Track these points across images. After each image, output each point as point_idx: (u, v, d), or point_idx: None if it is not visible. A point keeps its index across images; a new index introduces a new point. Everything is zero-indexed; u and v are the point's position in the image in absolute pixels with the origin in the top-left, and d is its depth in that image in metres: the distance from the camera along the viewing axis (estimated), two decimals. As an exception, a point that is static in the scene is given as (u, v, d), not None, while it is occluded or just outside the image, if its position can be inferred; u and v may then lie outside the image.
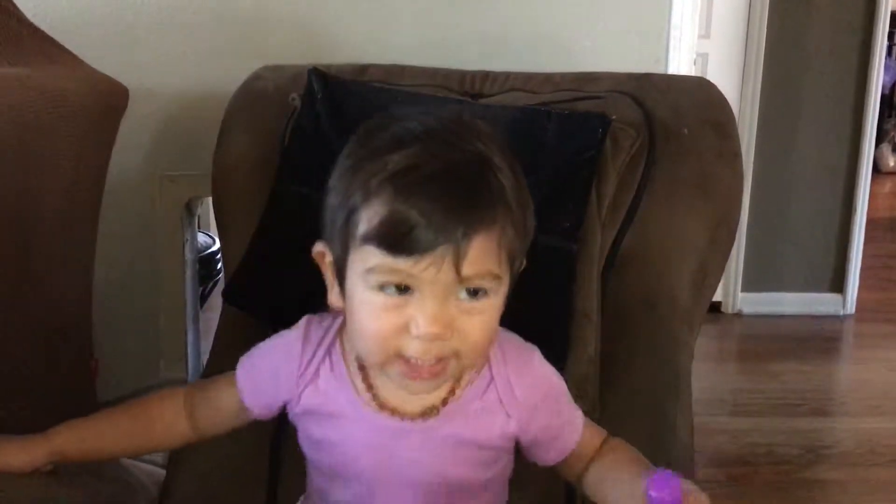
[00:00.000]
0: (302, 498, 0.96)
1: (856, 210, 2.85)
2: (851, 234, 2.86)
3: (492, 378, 0.75)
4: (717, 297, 2.87)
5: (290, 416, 0.81)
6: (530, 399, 0.76)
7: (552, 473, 0.82)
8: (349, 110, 1.06)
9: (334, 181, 0.70)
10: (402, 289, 0.66)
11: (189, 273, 1.63)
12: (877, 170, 4.87)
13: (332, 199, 0.70)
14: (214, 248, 2.12)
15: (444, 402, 0.75)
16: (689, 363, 1.03)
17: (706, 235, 1.06)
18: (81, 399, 1.48)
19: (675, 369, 1.00)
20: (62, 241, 1.36)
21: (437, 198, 0.63)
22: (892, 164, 5.49)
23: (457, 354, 0.68)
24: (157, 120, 1.52)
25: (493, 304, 0.69)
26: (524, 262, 0.73)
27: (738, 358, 2.69)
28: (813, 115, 2.79)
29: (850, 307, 2.90)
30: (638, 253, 1.04)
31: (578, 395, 0.97)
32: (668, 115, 1.08)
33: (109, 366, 1.56)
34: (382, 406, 0.75)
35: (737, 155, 1.08)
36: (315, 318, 0.80)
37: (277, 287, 1.05)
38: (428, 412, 0.75)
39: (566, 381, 0.83)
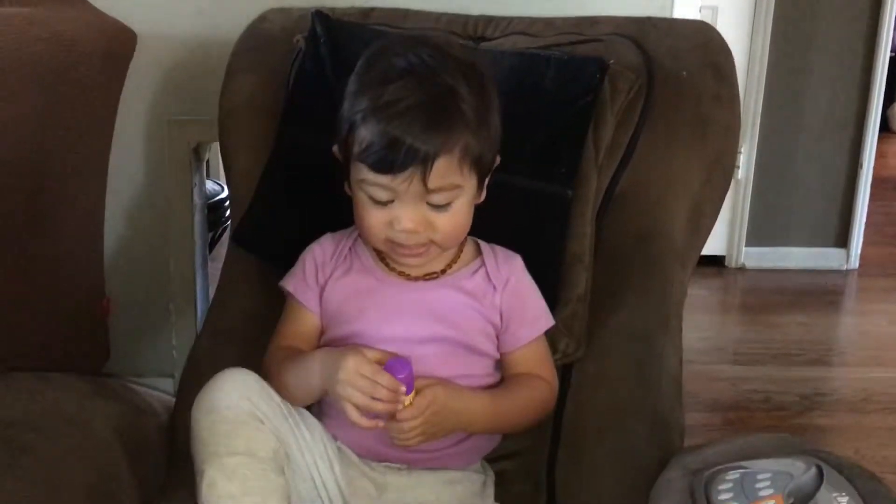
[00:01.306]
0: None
1: (862, 165, 2.84)
2: (857, 190, 2.85)
3: (482, 264, 0.97)
4: (721, 250, 2.89)
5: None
6: (504, 272, 0.96)
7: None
8: (351, 53, 1.06)
9: (347, 94, 0.91)
10: (387, 202, 0.88)
11: (198, 218, 1.66)
12: (889, 129, 4.83)
13: (343, 109, 0.90)
14: (223, 196, 2.14)
15: (443, 271, 0.96)
16: (682, 299, 1.05)
17: (702, 176, 1.07)
18: (94, 334, 1.52)
19: (666, 303, 1.03)
20: (72, 183, 1.38)
21: (409, 129, 0.83)
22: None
23: (433, 242, 0.90)
24: (164, 65, 1.53)
25: (459, 203, 0.89)
26: (497, 157, 0.93)
27: (740, 310, 2.71)
28: (822, 70, 2.78)
29: (854, 262, 2.91)
30: (634, 193, 1.06)
31: (566, 331, 1.01)
32: (668, 57, 1.09)
33: (122, 306, 1.59)
34: (393, 270, 0.96)
35: (734, 97, 1.09)
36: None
37: (285, 229, 1.08)
38: (429, 276, 0.96)
39: (555, 319, 0.99)
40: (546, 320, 0.98)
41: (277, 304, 1.00)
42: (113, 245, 1.59)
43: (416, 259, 0.93)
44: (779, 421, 1.90)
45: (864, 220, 2.90)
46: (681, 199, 1.06)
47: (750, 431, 1.65)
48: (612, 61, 1.04)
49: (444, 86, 0.86)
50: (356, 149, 0.87)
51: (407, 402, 0.82)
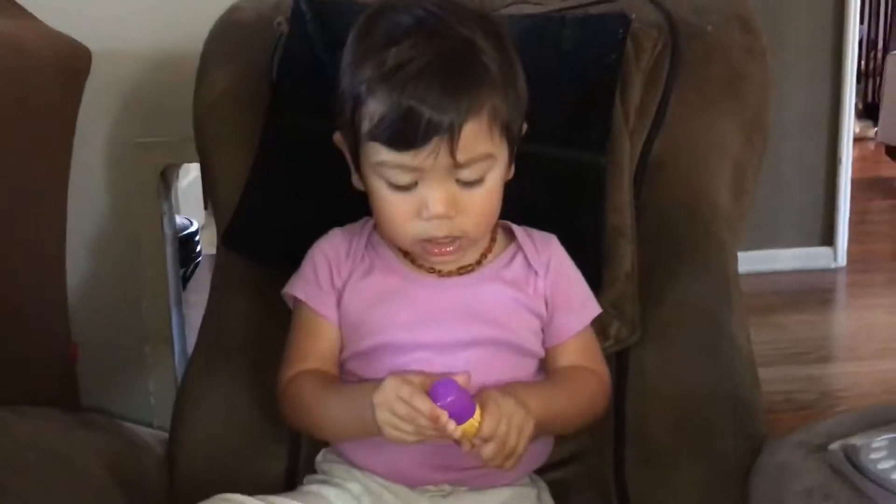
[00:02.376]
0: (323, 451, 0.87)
1: (841, 161, 2.82)
2: (838, 186, 2.84)
3: (519, 248, 0.85)
4: (709, 258, 2.83)
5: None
6: (544, 254, 0.85)
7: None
8: (342, 28, 0.96)
9: (345, 67, 0.78)
10: (410, 184, 0.75)
11: (169, 250, 1.52)
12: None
13: (342, 86, 0.78)
14: (193, 229, 2.01)
15: (479, 262, 0.84)
16: (737, 270, 0.95)
17: (740, 135, 0.99)
18: (62, 385, 1.37)
19: (726, 274, 0.93)
20: (27, 217, 1.25)
21: (427, 95, 0.71)
22: (857, 130, 5.52)
23: (464, 232, 0.78)
24: (124, 83, 1.41)
25: (492, 178, 0.77)
26: (524, 126, 0.81)
27: (738, 314, 2.64)
28: (794, 69, 2.76)
29: (842, 259, 2.88)
30: (671, 158, 0.97)
31: (616, 314, 0.90)
32: (689, 13, 1.01)
33: (92, 352, 1.44)
34: (421, 267, 0.83)
35: (765, 50, 1.01)
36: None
37: (283, 226, 0.95)
38: (464, 269, 0.83)
39: (602, 301, 0.88)
40: (593, 306, 0.86)
41: (278, 311, 0.87)
42: (78, 285, 1.44)
43: (448, 258, 0.80)
44: (807, 420, 1.78)
45: (847, 217, 2.87)
46: (721, 161, 0.97)
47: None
48: (633, 16, 0.95)
49: (460, 38, 0.74)
50: (366, 126, 0.74)
51: (476, 424, 0.69)
